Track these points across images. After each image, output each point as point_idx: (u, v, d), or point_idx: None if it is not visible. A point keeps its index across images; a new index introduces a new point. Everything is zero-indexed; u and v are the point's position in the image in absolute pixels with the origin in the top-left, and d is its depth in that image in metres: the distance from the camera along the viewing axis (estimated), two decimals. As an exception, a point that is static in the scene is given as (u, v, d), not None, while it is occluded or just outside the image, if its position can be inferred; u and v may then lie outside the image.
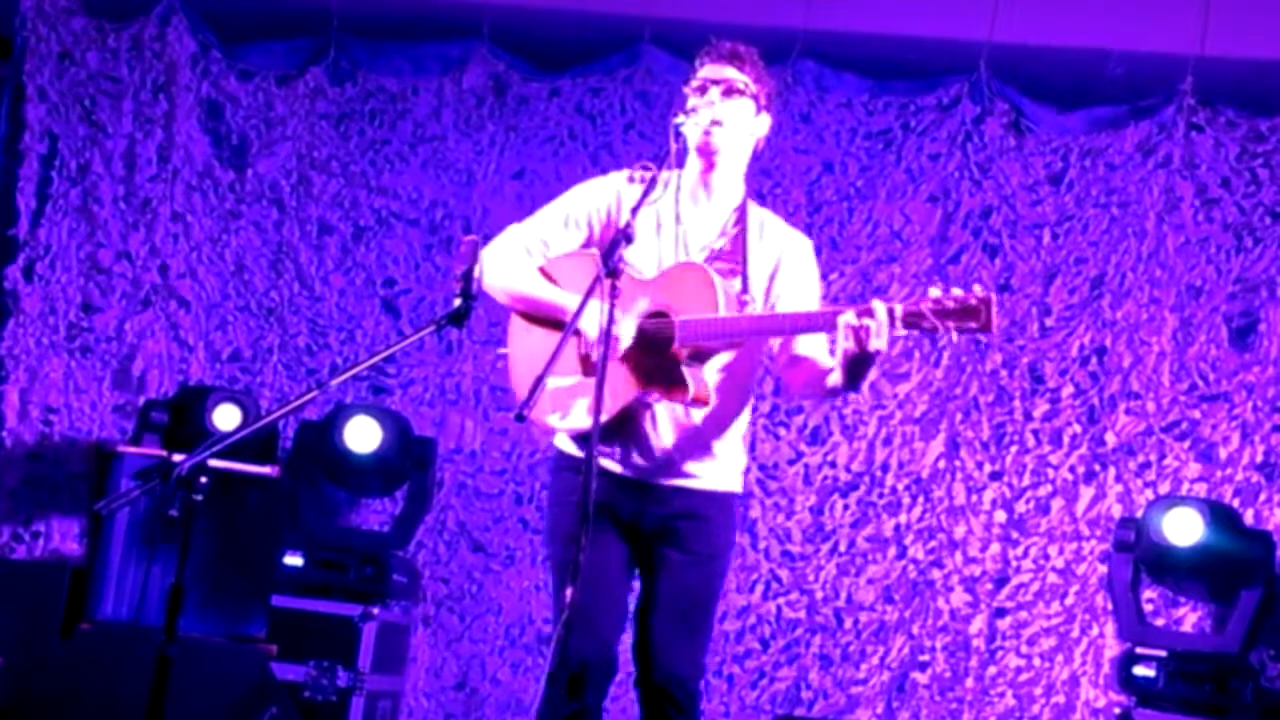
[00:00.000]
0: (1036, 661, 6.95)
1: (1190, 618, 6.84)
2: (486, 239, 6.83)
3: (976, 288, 3.85)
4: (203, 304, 7.63)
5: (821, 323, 3.98)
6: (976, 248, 7.21)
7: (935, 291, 3.85)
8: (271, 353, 7.60)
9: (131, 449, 6.74)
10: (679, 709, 4.16)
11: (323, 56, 7.69)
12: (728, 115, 4.19)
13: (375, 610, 6.74)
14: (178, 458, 3.83)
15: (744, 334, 4.08)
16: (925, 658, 7.03)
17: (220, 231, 7.67)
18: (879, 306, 3.85)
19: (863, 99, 7.38)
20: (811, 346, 4.21)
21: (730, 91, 4.21)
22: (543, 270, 4.24)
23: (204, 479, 3.86)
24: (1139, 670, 6.37)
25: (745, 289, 4.18)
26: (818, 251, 7.24)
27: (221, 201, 7.68)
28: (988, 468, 7.11)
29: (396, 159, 7.67)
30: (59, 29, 7.72)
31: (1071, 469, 7.04)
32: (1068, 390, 7.08)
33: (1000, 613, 7.02)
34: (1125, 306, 7.06)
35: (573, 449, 4.22)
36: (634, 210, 3.95)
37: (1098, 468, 7.01)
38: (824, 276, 7.19)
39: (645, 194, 3.99)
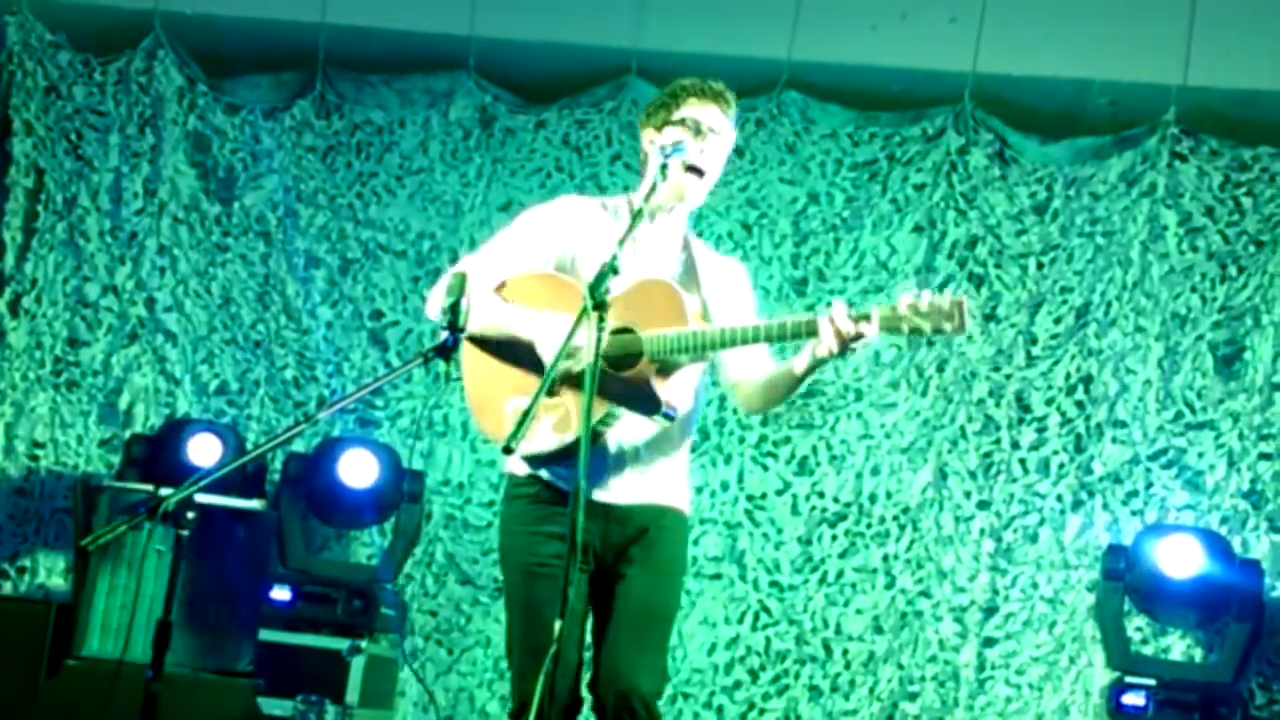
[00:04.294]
0: (1026, 691, 6.94)
1: (1178, 646, 6.85)
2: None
3: (948, 291, 3.91)
4: (189, 337, 7.62)
5: (802, 331, 3.98)
6: (962, 278, 7.23)
7: (908, 296, 3.89)
8: (258, 386, 7.59)
9: (117, 483, 6.72)
10: None
11: (309, 90, 7.71)
12: (711, 165, 4.23)
13: (363, 644, 6.71)
14: (165, 492, 3.81)
15: (714, 346, 4.08)
16: (915, 688, 7.02)
17: (207, 264, 7.66)
18: (868, 326, 3.90)
19: (848, 130, 7.41)
20: (758, 360, 4.23)
21: (720, 138, 4.24)
22: (504, 289, 4.21)
23: (190, 514, 3.85)
24: (1128, 699, 6.37)
25: (702, 310, 4.19)
26: (804, 282, 7.37)
27: (208, 234, 7.68)
28: (975, 497, 7.11)
29: (383, 191, 7.68)
30: (45, 63, 7.73)
31: (1059, 498, 7.05)
32: (1054, 419, 7.09)
33: (989, 642, 7.02)
34: (1111, 335, 7.08)
35: (526, 471, 4.17)
36: (619, 241, 3.95)
37: (1085, 496, 7.02)
38: (811, 307, 7.27)
39: (630, 228, 3.99)
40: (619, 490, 4.15)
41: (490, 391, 4.14)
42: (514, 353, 4.12)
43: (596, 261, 3.97)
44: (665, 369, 4.05)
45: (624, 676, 4.07)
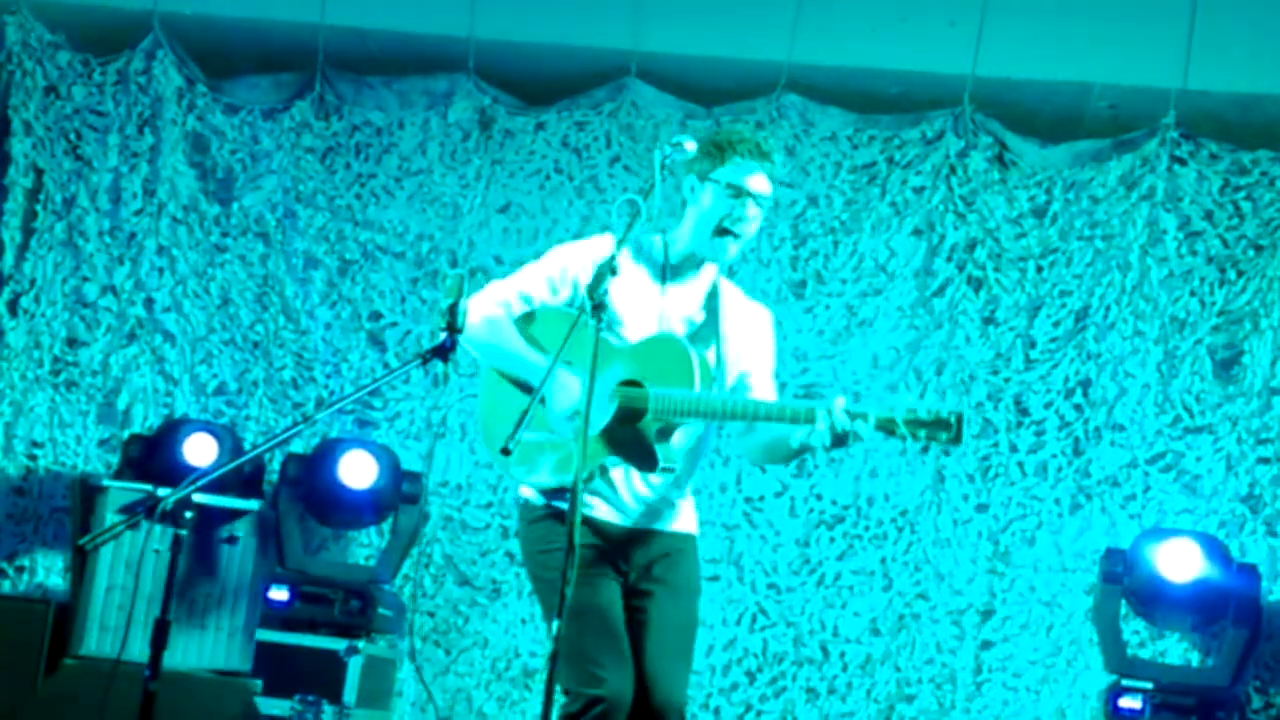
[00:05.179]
0: (1023, 693, 6.94)
1: (1175, 650, 6.85)
2: (473, 273, 6.84)
3: (948, 402, 3.97)
4: (188, 337, 7.62)
5: (800, 417, 4.03)
6: (961, 281, 7.23)
7: (909, 402, 3.97)
8: (257, 386, 7.59)
9: (115, 483, 6.72)
10: None
11: (308, 90, 7.71)
12: (746, 229, 4.26)
13: (360, 644, 6.72)
14: (163, 492, 3.82)
15: (715, 415, 4.16)
16: (912, 690, 7.02)
17: (206, 265, 7.66)
18: (863, 425, 3.95)
19: (847, 132, 7.41)
20: None
21: (761, 201, 4.25)
22: (528, 317, 4.27)
23: (188, 513, 3.85)
24: (1125, 702, 6.38)
25: (718, 360, 4.27)
26: (803, 284, 7.37)
27: (207, 235, 7.68)
28: (973, 500, 7.11)
29: (382, 192, 7.68)
30: (44, 63, 7.73)
31: (1057, 501, 7.05)
32: (1053, 422, 7.09)
33: (987, 645, 7.02)
34: (1109, 339, 7.08)
35: (542, 500, 4.29)
36: (618, 243, 3.97)
37: (1083, 500, 7.02)
38: (809, 310, 7.28)
39: (628, 228, 4.01)
40: (640, 518, 4.27)
41: (502, 418, 4.18)
42: (529, 387, 4.17)
43: (625, 305, 4.11)
44: (666, 427, 4.14)
45: (662, 691, 4.21)
